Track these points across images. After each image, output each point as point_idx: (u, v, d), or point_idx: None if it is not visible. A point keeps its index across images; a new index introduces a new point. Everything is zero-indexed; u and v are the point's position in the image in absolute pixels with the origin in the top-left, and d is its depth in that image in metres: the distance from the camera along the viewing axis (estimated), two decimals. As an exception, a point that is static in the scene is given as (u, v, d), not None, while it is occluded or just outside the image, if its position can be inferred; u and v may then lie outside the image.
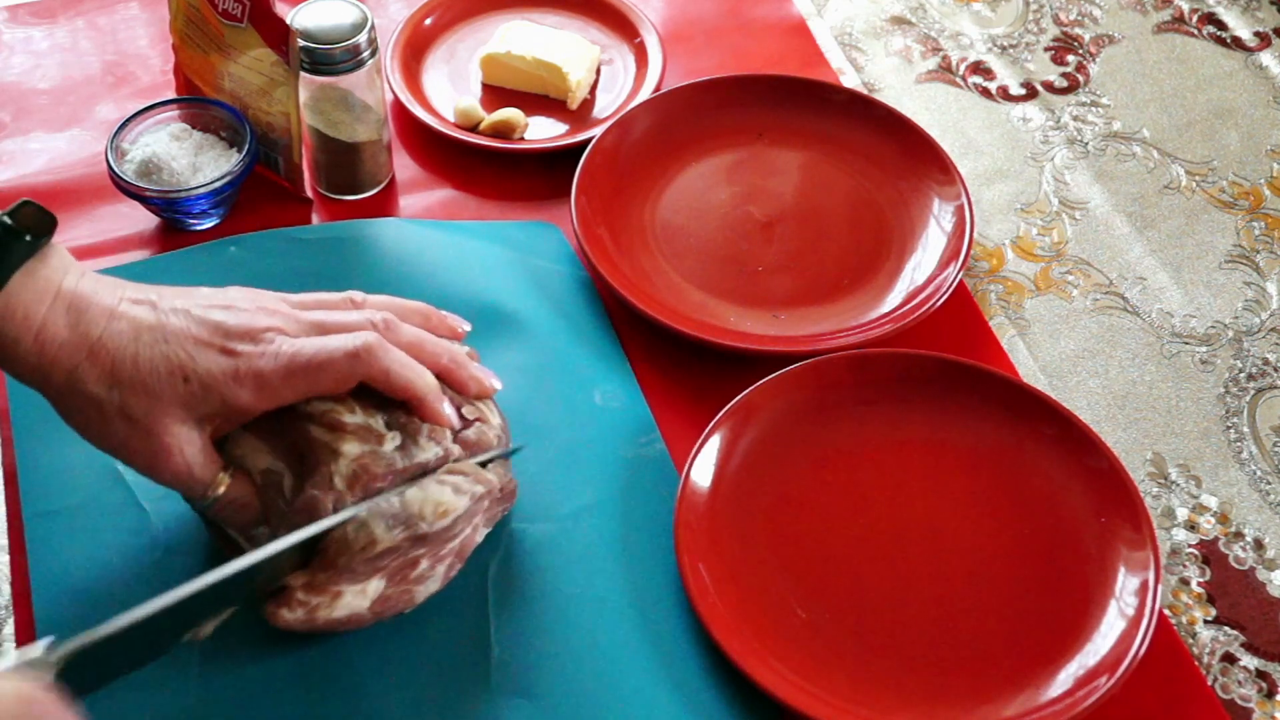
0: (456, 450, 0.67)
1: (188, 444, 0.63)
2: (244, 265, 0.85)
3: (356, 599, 0.65)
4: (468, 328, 0.73)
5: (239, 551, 0.67)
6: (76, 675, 0.53)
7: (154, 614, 0.56)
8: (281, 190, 0.92)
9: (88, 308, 0.62)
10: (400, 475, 0.65)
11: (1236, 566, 0.77)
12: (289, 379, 0.63)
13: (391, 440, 0.66)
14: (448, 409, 0.67)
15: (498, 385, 0.71)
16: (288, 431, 0.66)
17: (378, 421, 0.66)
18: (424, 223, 0.90)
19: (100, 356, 0.61)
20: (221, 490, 0.65)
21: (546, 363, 0.82)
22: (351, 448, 0.64)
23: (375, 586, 0.65)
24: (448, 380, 0.68)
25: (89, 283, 0.63)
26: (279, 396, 0.64)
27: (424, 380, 0.66)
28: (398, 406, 0.67)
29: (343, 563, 0.63)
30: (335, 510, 0.64)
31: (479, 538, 0.71)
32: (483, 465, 0.68)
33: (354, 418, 0.65)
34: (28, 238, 0.60)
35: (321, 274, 0.84)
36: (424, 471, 0.66)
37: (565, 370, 0.82)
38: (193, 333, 0.63)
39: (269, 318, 0.65)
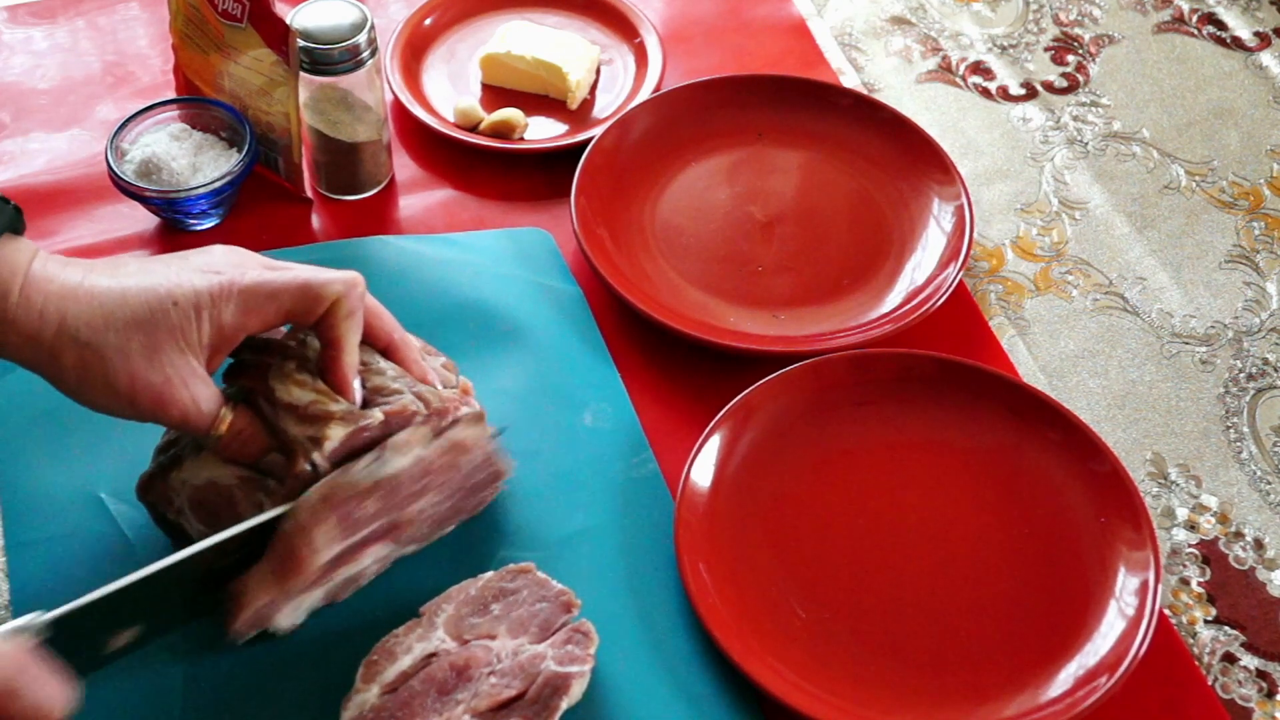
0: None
1: (189, 375, 0.63)
2: None
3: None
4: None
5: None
6: (60, 645, 0.56)
7: (130, 585, 0.59)
8: (281, 190, 0.92)
9: (64, 266, 0.63)
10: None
11: (1236, 566, 0.77)
12: (273, 296, 0.64)
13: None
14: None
15: (436, 383, 0.71)
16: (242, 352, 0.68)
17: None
18: (413, 239, 0.89)
19: (89, 301, 0.62)
20: (225, 426, 0.65)
21: (536, 387, 0.81)
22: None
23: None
24: (393, 355, 0.70)
25: (57, 258, 0.64)
26: (263, 314, 0.65)
27: (403, 331, 0.69)
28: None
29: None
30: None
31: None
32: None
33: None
34: (10, 205, 0.62)
35: None
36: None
37: (554, 393, 0.81)
38: (174, 263, 0.64)
39: (249, 254, 0.67)
